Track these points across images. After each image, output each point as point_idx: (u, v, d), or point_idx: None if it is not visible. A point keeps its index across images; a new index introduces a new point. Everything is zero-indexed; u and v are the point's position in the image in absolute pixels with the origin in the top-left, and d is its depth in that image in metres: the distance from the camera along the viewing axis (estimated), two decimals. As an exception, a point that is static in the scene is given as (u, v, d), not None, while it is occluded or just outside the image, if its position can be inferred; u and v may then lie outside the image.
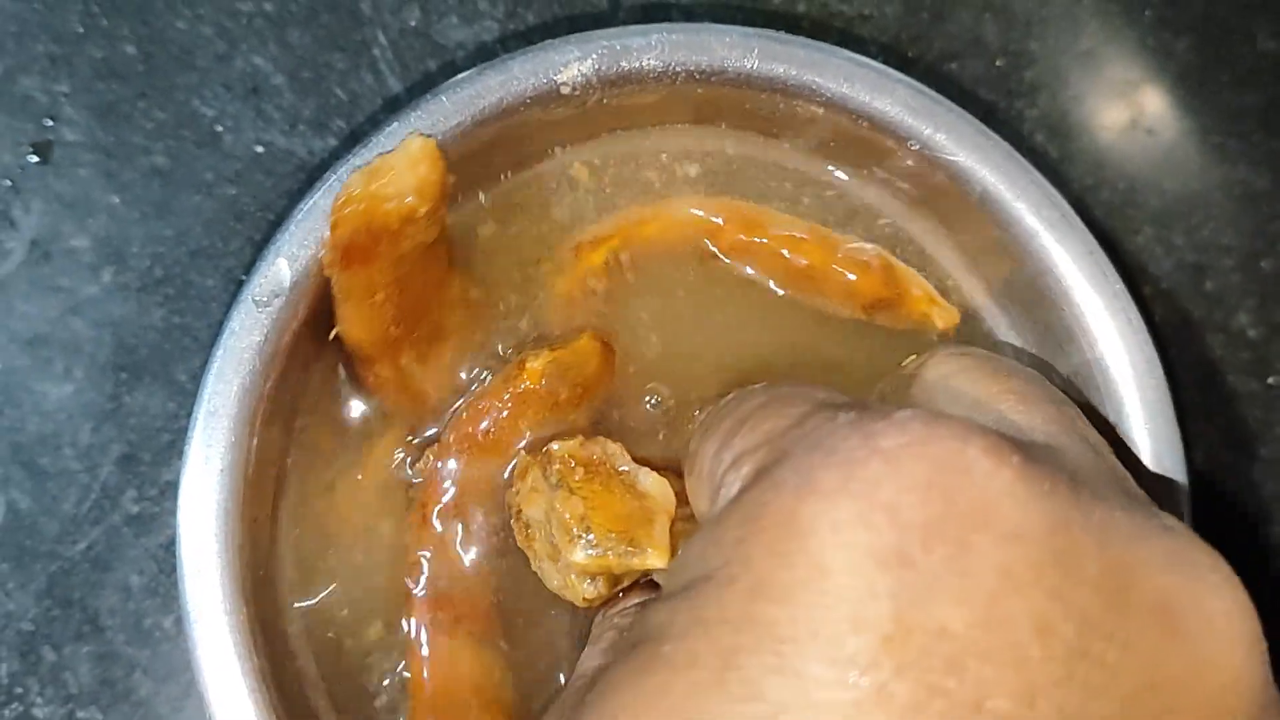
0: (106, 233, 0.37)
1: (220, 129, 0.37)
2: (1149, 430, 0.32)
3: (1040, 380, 0.28)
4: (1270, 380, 0.39)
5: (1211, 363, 0.38)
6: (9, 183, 0.37)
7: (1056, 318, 0.33)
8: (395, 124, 0.31)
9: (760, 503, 0.22)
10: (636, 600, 0.32)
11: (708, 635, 0.21)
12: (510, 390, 0.32)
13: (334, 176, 0.31)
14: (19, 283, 0.36)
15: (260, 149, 0.37)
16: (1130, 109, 0.40)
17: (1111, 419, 0.32)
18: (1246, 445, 0.38)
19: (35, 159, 0.37)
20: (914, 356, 0.32)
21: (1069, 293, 0.32)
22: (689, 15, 0.38)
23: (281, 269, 0.30)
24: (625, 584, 0.31)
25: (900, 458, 0.21)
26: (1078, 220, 0.33)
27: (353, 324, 0.31)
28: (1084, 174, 0.39)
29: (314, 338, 0.32)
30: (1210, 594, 0.21)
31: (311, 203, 0.30)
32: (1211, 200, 0.39)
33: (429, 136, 0.31)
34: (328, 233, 0.30)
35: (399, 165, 0.30)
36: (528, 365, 0.32)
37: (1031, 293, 0.34)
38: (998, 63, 0.40)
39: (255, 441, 0.29)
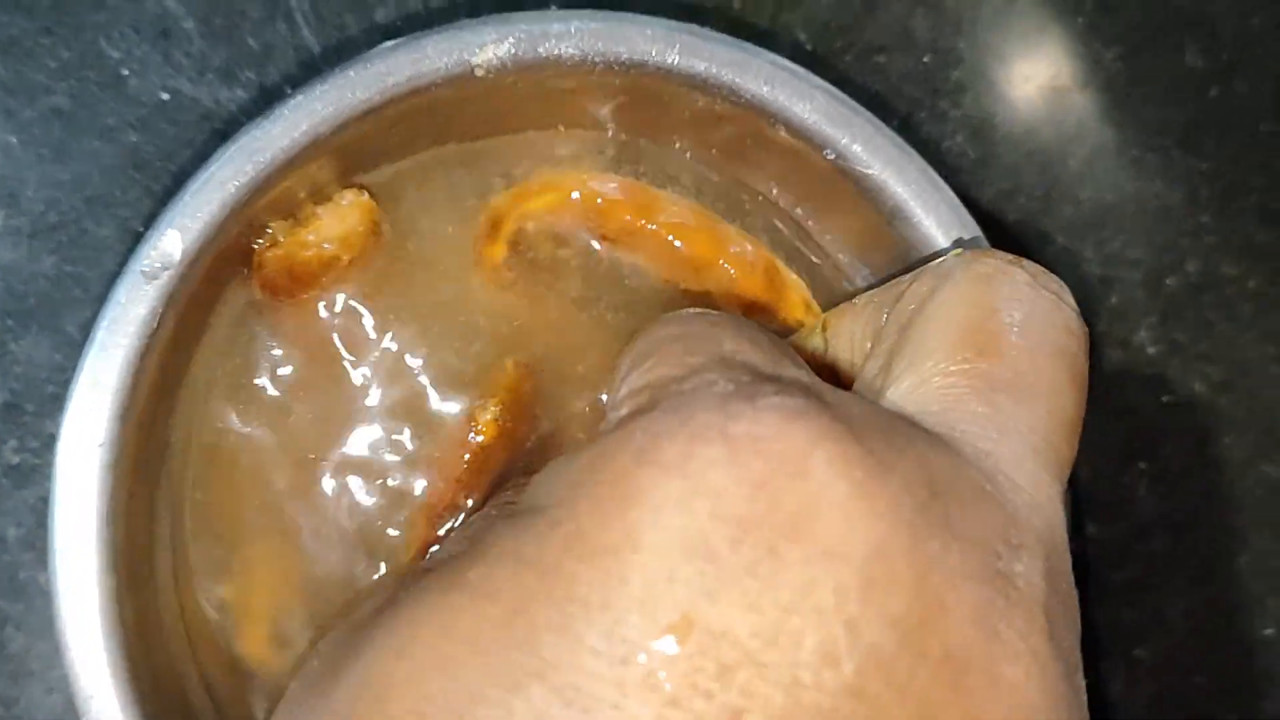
0: (1, 173, 0.35)
1: (126, 72, 0.36)
2: None
3: (1043, 350, 0.25)
4: (1165, 398, 0.39)
5: (1109, 377, 0.39)
6: (-102, 115, 0.35)
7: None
8: (299, 96, 0.30)
9: (606, 454, 0.21)
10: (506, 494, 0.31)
11: (515, 573, 0.20)
12: (467, 452, 0.32)
13: (234, 146, 0.30)
14: (-96, 220, 0.35)
15: (166, 96, 0.36)
16: (1053, 115, 0.40)
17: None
18: (1134, 460, 0.39)
19: (-73, 91, 0.35)
20: (958, 251, 0.29)
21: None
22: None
23: (172, 240, 0.29)
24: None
25: (743, 448, 0.20)
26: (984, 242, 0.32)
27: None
28: (1001, 178, 0.39)
29: (205, 312, 0.31)
30: (1008, 659, 0.21)
31: (209, 174, 0.29)
32: (1124, 213, 0.39)
33: (363, 191, 0.32)
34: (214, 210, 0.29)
35: (327, 217, 0.31)
36: (481, 420, 0.32)
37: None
38: (925, 59, 0.39)
39: (136, 419, 0.29)
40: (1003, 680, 0.20)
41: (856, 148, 0.32)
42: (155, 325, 0.29)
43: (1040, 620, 0.21)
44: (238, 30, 0.37)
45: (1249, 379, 0.39)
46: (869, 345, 0.29)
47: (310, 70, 0.37)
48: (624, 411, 0.23)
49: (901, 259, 0.33)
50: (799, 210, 0.35)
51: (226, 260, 0.31)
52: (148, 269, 0.29)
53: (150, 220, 0.34)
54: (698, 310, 0.27)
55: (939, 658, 0.20)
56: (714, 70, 0.32)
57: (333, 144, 0.31)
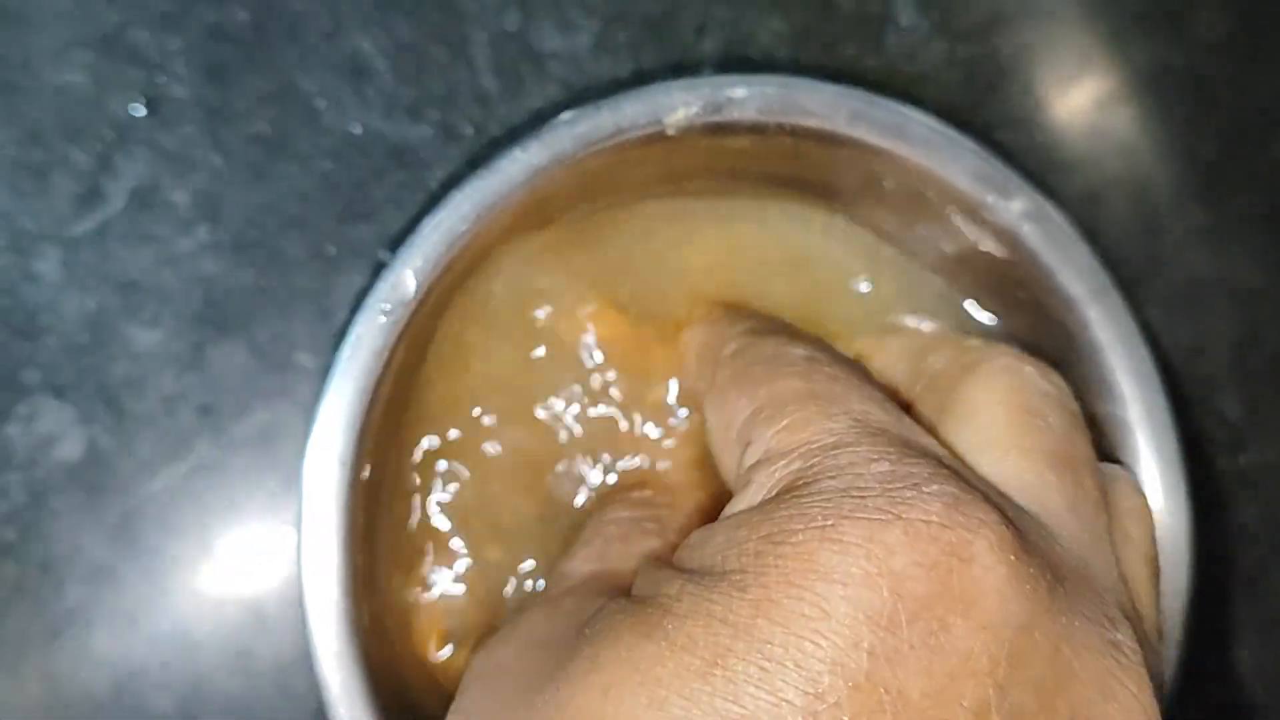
0: (206, 191, 0.38)
1: (321, 105, 0.39)
2: (1161, 481, 0.36)
3: (1074, 428, 0.31)
4: (1241, 459, 0.43)
5: (1193, 439, 0.43)
6: (115, 133, 0.38)
7: (1086, 374, 0.37)
8: (517, 149, 0.34)
9: (787, 529, 0.24)
10: (627, 512, 0.35)
11: (709, 629, 0.23)
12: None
13: (459, 195, 0.33)
14: (118, 229, 0.38)
15: (358, 129, 0.39)
16: (1151, 199, 0.43)
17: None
18: (1211, 515, 0.43)
19: (143, 111, 0.38)
20: (977, 341, 0.36)
21: (1100, 353, 0.36)
22: (769, 64, 0.41)
23: (407, 280, 0.32)
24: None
25: (918, 535, 0.24)
26: (1117, 295, 0.36)
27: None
28: (1104, 251, 0.43)
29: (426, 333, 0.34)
30: (1124, 717, 0.25)
31: (437, 219, 0.33)
32: (1212, 291, 0.43)
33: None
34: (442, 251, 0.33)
35: None
36: None
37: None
38: (1038, 138, 0.43)
39: (372, 434, 0.32)
40: None
41: (1011, 206, 0.36)
42: (389, 356, 0.32)
43: (1146, 679, 0.26)
44: (424, 72, 0.40)
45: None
46: (907, 389, 0.34)
47: (487, 111, 0.40)
48: (776, 476, 0.27)
49: (1031, 300, 0.37)
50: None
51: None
52: (385, 306, 0.32)
53: (341, 243, 0.38)
54: (799, 351, 0.31)
55: (1067, 717, 0.24)
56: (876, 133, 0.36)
57: (540, 193, 0.34)
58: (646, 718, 0.23)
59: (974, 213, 0.36)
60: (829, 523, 0.24)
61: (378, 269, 0.37)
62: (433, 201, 0.34)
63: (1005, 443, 0.30)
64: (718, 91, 0.35)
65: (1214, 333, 0.43)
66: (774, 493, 0.26)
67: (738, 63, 0.42)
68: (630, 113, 0.35)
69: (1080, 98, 0.43)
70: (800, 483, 0.26)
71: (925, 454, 0.27)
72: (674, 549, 0.30)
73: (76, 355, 0.38)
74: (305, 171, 0.39)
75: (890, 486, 0.25)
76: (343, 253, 0.39)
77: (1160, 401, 0.36)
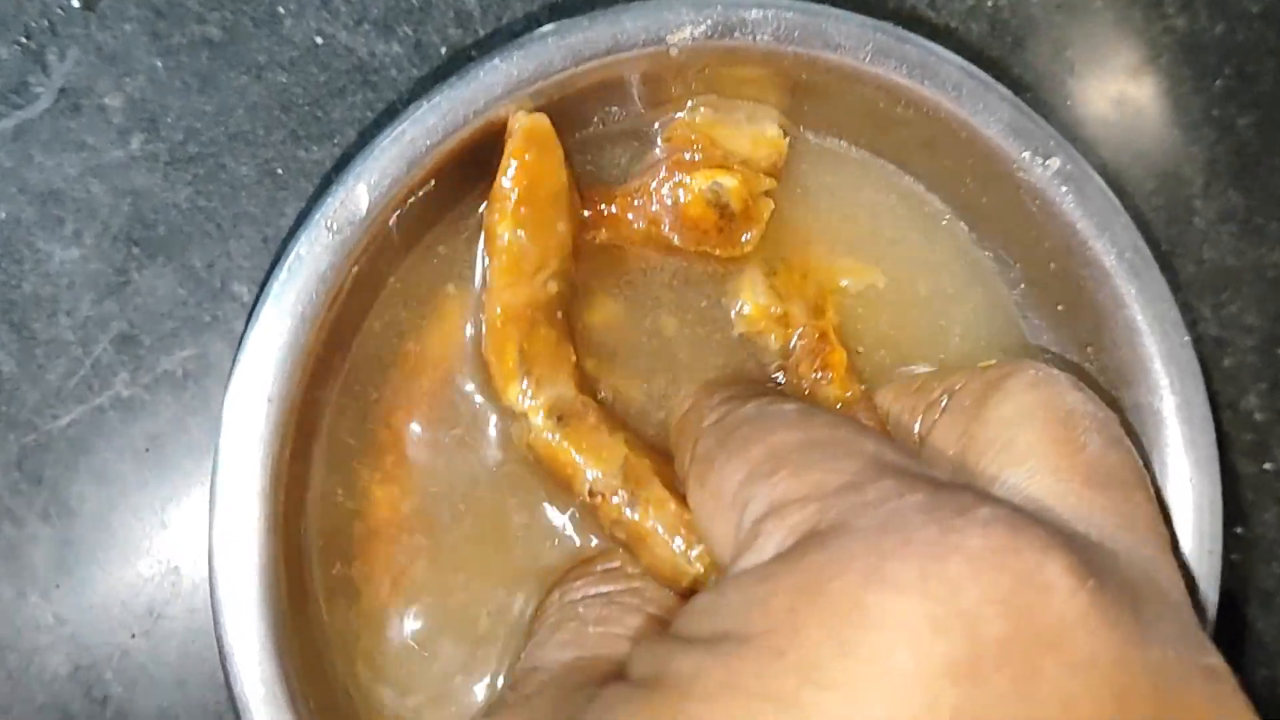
0: (143, 96, 0.34)
1: (282, 10, 0.35)
2: (1192, 484, 0.32)
3: (1114, 443, 0.28)
4: (1267, 465, 0.39)
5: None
6: (47, 23, 0.34)
7: (1119, 357, 0.33)
8: (496, 59, 0.30)
9: (819, 576, 0.21)
10: (597, 589, 0.30)
11: (746, 708, 0.20)
12: None
13: (426, 105, 0.29)
14: (41, 131, 0.34)
15: (320, 40, 0.35)
16: (1182, 172, 0.40)
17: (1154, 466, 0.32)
18: (1231, 524, 0.39)
19: (79, 3, 0.34)
20: (993, 362, 0.32)
21: (1139, 335, 0.32)
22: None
23: (360, 195, 0.28)
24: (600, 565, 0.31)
25: (983, 564, 0.20)
26: (1156, 269, 0.32)
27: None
28: (1129, 230, 0.39)
29: (380, 266, 0.30)
30: None
31: (399, 130, 0.29)
32: (1244, 278, 0.40)
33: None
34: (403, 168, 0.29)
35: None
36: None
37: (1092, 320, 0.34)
38: (1067, 102, 0.39)
39: (306, 368, 0.28)
40: None
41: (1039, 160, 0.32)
42: (336, 282, 0.28)
43: (1244, 698, 0.22)
44: (398, -18, 0.36)
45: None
46: (916, 427, 0.31)
47: (467, 31, 0.36)
48: (790, 524, 0.23)
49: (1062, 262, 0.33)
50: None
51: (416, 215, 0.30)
52: (332, 223, 0.28)
53: (292, 164, 0.34)
54: (788, 406, 0.28)
55: None
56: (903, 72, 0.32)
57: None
58: None
59: (1005, 169, 0.32)
60: (872, 562, 0.20)
61: (326, 183, 0.33)
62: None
63: (1043, 461, 0.26)
64: (730, 11, 0.31)
65: (1242, 326, 0.40)
66: (790, 543, 0.22)
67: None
68: (630, 26, 0.31)
69: (1113, 62, 0.40)
70: (823, 527, 0.22)
71: (955, 484, 0.23)
72: (660, 623, 0.27)
73: (-16, 271, 0.34)
74: (257, 83, 0.35)
75: (936, 516, 0.21)
76: (293, 175, 0.35)
77: (1199, 395, 0.33)
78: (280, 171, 0.35)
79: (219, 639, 0.27)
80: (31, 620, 0.33)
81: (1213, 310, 0.39)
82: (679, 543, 0.28)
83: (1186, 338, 0.32)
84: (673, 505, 0.28)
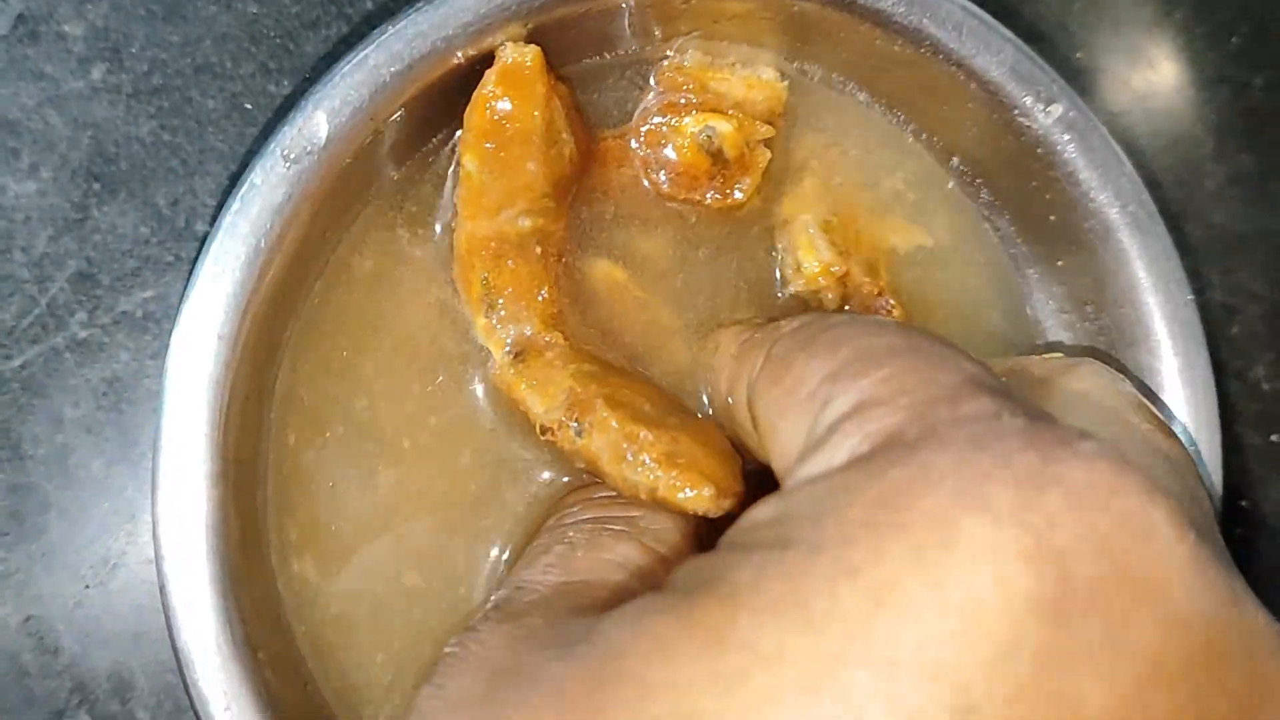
0: (105, 25, 0.33)
1: (252, -62, 0.34)
2: (1193, 449, 0.31)
3: (1176, 439, 0.28)
4: (1274, 437, 0.38)
5: (1220, 409, 0.37)
6: (4, -56, 0.32)
7: (1120, 316, 0.32)
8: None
9: (905, 491, 0.19)
10: (589, 514, 0.29)
11: (809, 630, 0.18)
12: None
13: (390, 30, 0.27)
14: (-4, 59, 0.32)
15: (293, -30, 0.34)
16: (1194, 134, 0.38)
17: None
18: (1235, 497, 0.37)
19: (38, -76, 0.33)
20: (1059, 355, 0.32)
21: (1141, 293, 0.31)
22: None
23: (318, 123, 0.26)
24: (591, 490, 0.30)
25: (1084, 500, 0.18)
26: (1161, 224, 0.31)
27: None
28: (1136, 190, 0.38)
29: (342, 202, 0.29)
30: None
31: (361, 55, 0.27)
32: (1254, 245, 0.38)
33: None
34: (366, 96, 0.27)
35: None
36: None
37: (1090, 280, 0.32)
38: (1078, 55, 0.38)
39: (261, 306, 0.26)
40: None
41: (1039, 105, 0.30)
42: (293, 214, 0.26)
43: None
44: (380, -91, 0.34)
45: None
46: None
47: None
48: (874, 428, 0.21)
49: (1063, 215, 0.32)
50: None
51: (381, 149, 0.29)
52: (289, 152, 0.26)
53: (262, 99, 0.32)
54: (884, 319, 0.28)
55: None
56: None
57: (489, 44, 0.29)
58: None
59: (1006, 115, 0.31)
60: (966, 482, 0.19)
61: (286, 109, 0.31)
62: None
63: (1122, 431, 0.26)
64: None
65: (1250, 293, 0.38)
66: (866, 448, 0.20)
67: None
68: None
69: (1127, 14, 0.38)
70: (910, 436, 0.20)
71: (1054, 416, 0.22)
72: (652, 554, 0.25)
73: (-62, 204, 0.32)
74: (226, 12, 0.33)
75: (1037, 442, 0.19)
76: (262, 110, 0.33)
77: (1201, 356, 0.31)
78: (249, 106, 0.33)
79: (161, 587, 0.26)
80: (-25, 566, 0.32)
81: (1221, 276, 0.38)
82: (623, 452, 0.27)
83: (1190, 296, 0.31)
84: (613, 422, 0.27)
